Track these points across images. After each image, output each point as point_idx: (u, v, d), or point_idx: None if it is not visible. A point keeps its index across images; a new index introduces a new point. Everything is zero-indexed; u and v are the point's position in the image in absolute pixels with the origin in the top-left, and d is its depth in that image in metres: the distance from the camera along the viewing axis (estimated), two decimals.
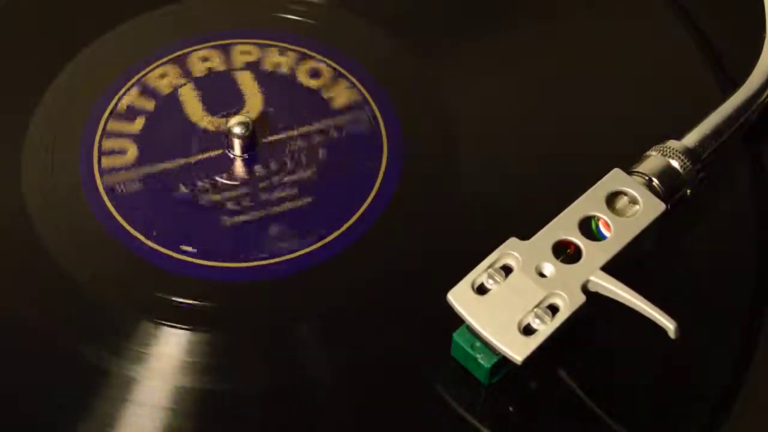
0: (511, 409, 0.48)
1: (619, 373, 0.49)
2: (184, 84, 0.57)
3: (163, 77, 0.57)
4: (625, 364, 0.49)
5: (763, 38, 0.55)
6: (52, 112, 0.56)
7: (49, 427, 0.47)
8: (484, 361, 0.47)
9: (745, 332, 0.51)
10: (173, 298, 0.50)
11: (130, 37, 0.59)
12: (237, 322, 0.50)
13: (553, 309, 0.47)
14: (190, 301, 0.50)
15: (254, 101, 0.56)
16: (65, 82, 0.57)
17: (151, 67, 0.57)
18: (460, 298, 0.47)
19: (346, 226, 0.52)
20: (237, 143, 0.54)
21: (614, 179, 0.50)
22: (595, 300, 0.47)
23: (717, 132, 0.52)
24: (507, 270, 0.47)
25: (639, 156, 0.51)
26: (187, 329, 0.49)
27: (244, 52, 0.58)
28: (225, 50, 0.58)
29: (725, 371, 0.49)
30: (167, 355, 0.49)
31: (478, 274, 0.47)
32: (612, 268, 0.48)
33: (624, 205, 0.49)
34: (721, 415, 0.48)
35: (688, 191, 0.50)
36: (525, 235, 0.48)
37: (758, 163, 0.55)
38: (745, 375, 0.49)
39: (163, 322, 0.50)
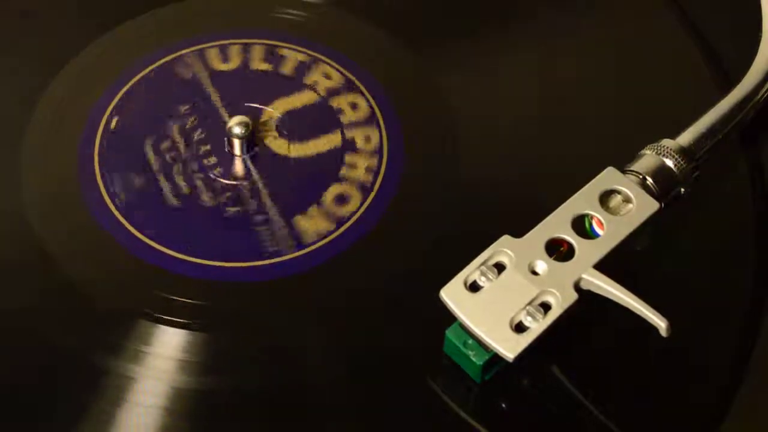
0: (503, 406, 0.48)
1: (616, 373, 0.49)
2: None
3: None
4: (622, 363, 0.49)
5: (759, 38, 0.55)
6: (52, 112, 0.56)
7: (48, 427, 0.47)
8: (476, 359, 0.47)
9: (745, 332, 0.50)
10: (172, 298, 0.50)
11: (131, 37, 0.59)
12: (236, 322, 0.50)
13: (546, 307, 0.47)
14: (189, 301, 0.50)
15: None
16: (65, 82, 0.57)
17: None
18: (452, 295, 0.47)
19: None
20: (237, 143, 0.54)
21: (608, 178, 0.50)
22: (590, 298, 0.47)
23: (712, 131, 0.52)
24: (500, 267, 0.48)
25: (636, 155, 0.51)
26: (185, 329, 0.50)
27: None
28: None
29: (724, 371, 0.49)
30: (166, 355, 0.49)
31: (471, 271, 0.47)
32: (606, 266, 0.48)
33: (618, 203, 0.49)
34: (720, 415, 0.48)
35: (683, 190, 0.50)
36: (522, 233, 0.48)
37: (756, 163, 0.55)
38: (744, 375, 0.49)
39: (161, 321, 0.50)
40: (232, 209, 0.53)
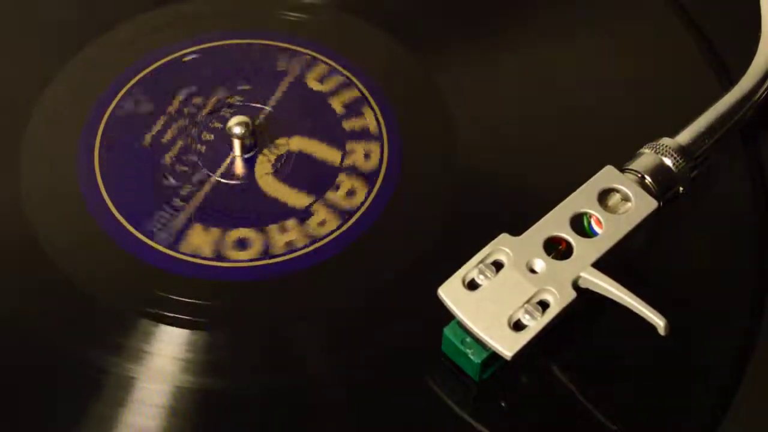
0: (502, 404, 0.48)
1: (616, 372, 0.49)
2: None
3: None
4: (622, 362, 0.49)
5: (759, 37, 0.55)
6: (52, 112, 0.56)
7: (48, 427, 0.48)
8: (475, 357, 0.47)
9: (745, 332, 0.50)
10: (173, 298, 0.50)
11: (130, 37, 0.59)
12: (236, 321, 0.50)
13: (544, 305, 0.47)
14: (190, 301, 0.50)
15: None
16: (65, 82, 0.57)
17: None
18: (450, 293, 0.47)
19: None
20: (237, 143, 0.54)
21: (607, 176, 0.50)
22: (589, 297, 0.47)
23: (711, 130, 0.52)
24: (498, 266, 0.48)
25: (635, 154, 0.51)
26: (186, 329, 0.50)
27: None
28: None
29: (725, 371, 0.49)
30: (166, 354, 0.49)
31: (469, 269, 0.47)
32: (605, 265, 0.48)
33: (616, 202, 0.49)
34: (720, 415, 0.48)
35: (681, 189, 0.50)
36: (521, 231, 0.48)
37: (756, 162, 0.55)
38: (744, 375, 0.49)
39: (162, 321, 0.50)
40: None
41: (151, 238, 0.52)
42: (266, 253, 0.51)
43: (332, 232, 0.52)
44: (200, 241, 0.52)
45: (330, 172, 0.54)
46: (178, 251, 0.52)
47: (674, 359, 0.49)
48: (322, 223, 0.52)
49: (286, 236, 0.52)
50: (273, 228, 0.52)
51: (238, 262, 0.51)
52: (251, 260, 0.51)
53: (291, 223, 0.52)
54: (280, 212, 0.53)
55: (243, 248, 0.52)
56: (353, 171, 0.54)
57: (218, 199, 0.53)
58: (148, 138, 0.55)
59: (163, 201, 0.53)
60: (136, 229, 0.53)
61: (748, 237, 0.53)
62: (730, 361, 0.50)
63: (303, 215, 0.53)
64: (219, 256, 0.51)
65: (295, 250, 0.52)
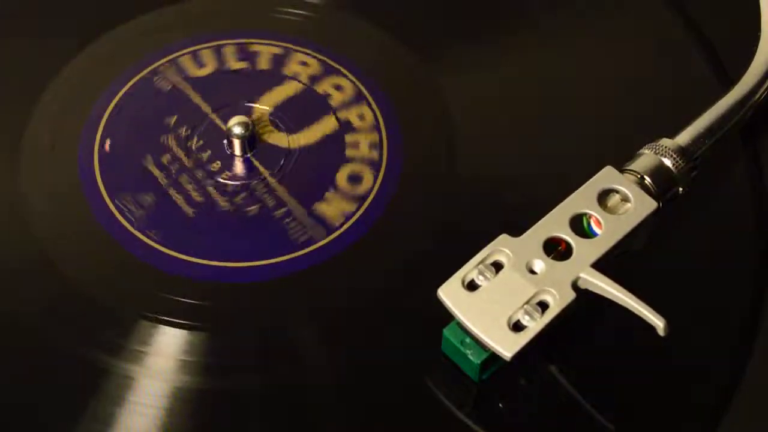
0: (501, 405, 0.48)
1: (615, 372, 0.49)
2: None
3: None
4: (622, 362, 0.49)
5: (758, 38, 0.55)
6: (52, 111, 0.56)
7: (48, 427, 0.48)
8: (474, 357, 0.47)
9: (745, 332, 0.50)
10: (172, 298, 0.50)
11: (131, 37, 0.59)
12: (236, 321, 0.50)
13: (543, 306, 0.47)
14: (189, 301, 0.50)
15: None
16: (65, 82, 0.57)
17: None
18: (450, 294, 0.47)
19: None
20: (237, 143, 0.54)
21: (606, 177, 0.50)
22: (590, 298, 0.47)
23: (710, 131, 0.52)
24: (497, 266, 0.48)
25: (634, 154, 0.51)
26: (185, 329, 0.50)
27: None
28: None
29: (725, 371, 0.49)
30: (166, 354, 0.49)
31: (469, 270, 0.47)
32: (604, 265, 0.48)
33: (616, 202, 0.49)
34: (720, 415, 0.48)
35: (681, 190, 0.50)
36: (520, 232, 0.48)
37: (757, 163, 0.55)
38: (744, 375, 0.49)
39: (161, 321, 0.50)
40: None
41: (273, 255, 0.52)
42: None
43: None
44: (329, 208, 0.53)
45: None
46: (335, 231, 0.52)
47: (674, 359, 0.49)
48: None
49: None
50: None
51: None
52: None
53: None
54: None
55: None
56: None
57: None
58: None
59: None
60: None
61: (748, 237, 0.53)
62: (730, 361, 0.49)
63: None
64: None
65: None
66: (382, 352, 0.49)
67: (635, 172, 0.50)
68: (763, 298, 0.51)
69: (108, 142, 0.55)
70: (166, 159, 0.55)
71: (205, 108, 0.56)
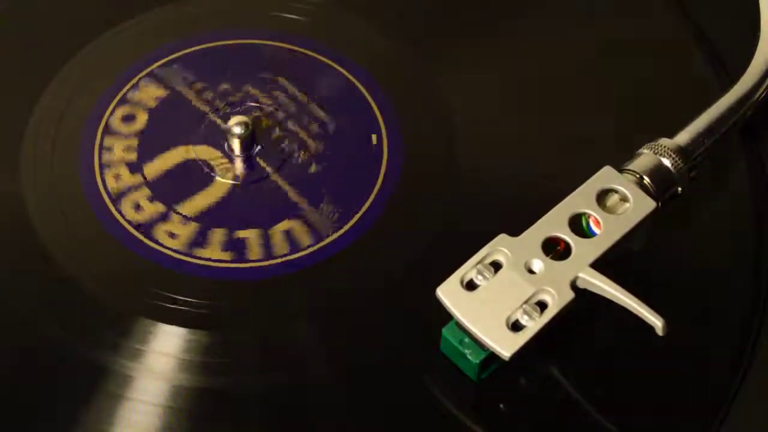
0: (500, 405, 0.48)
1: (615, 372, 0.49)
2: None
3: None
4: (622, 362, 0.49)
5: (758, 37, 0.55)
6: (52, 111, 0.56)
7: (48, 425, 0.48)
8: (473, 357, 0.47)
9: (745, 332, 0.50)
10: (172, 296, 0.51)
11: (131, 37, 0.59)
12: (236, 321, 0.50)
13: (542, 305, 0.47)
14: (189, 300, 0.51)
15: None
16: (65, 82, 0.57)
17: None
18: (449, 293, 0.47)
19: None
20: (236, 143, 0.54)
21: (605, 177, 0.50)
22: (590, 298, 0.47)
23: (709, 131, 0.51)
24: (496, 266, 0.48)
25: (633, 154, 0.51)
26: (185, 328, 0.50)
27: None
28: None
29: (725, 371, 0.49)
30: (166, 353, 0.49)
31: (468, 269, 0.47)
32: (603, 265, 0.48)
33: (615, 202, 0.49)
34: (720, 415, 0.48)
35: (679, 189, 0.50)
36: (519, 231, 0.48)
37: (758, 163, 0.55)
38: (744, 375, 0.49)
39: (161, 320, 0.50)
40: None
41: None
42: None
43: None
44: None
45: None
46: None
47: (674, 359, 0.49)
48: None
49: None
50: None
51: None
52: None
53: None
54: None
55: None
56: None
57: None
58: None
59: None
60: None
61: (748, 237, 0.53)
62: (730, 361, 0.49)
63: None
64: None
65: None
66: (382, 352, 0.49)
67: (634, 171, 0.50)
68: (763, 298, 0.51)
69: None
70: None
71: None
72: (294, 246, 0.52)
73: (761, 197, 0.54)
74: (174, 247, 0.52)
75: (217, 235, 0.52)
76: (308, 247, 0.52)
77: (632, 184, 0.49)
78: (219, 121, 0.56)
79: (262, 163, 0.55)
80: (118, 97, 0.57)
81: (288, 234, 0.52)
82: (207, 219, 0.53)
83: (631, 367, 0.49)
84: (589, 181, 0.49)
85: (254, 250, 0.52)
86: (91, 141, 0.55)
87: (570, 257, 0.48)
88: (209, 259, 0.52)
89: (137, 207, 0.53)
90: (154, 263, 0.52)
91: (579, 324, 0.48)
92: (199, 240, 0.52)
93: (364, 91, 0.57)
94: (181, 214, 0.53)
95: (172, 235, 0.52)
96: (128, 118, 0.56)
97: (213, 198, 0.54)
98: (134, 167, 0.55)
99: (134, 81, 0.57)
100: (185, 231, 0.52)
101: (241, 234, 0.52)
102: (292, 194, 0.54)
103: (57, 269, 0.51)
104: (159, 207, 0.53)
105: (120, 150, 0.55)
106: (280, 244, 0.52)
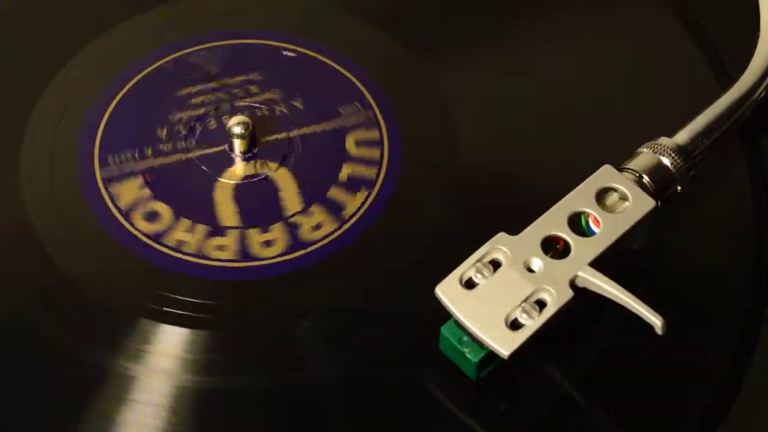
0: (499, 404, 0.48)
1: (615, 372, 0.49)
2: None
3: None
4: (622, 362, 0.49)
5: (757, 37, 0.55)
6: (52, 111, 0.56)
7: (48, 426, 0.48)
8: (472, 356, 0.47)
9: (745, 332, 0.50)
10: (173, 297, 0.50)
11: (131, 37, 0.59)
12: (236, 320, 0.50)
13: (541, 304, 0.47)
14: (190, 300, 0.51)
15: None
16: (65, 82, 0.57)
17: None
18: (447, 292, 0.47)
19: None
20: (237, 143, 0.54)
21: (604, 175, 0.50)
22: (589, 297, 0.47)
23: (709, 130, 0.52)
24: (495, 264, 0.48)
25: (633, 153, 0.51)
26: (186, 328, 0.50)
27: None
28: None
29: (725, 371, 0.49)
30: (167, 353, 0.49)
31: (467, 268, 0.47)
32: (603, 264, 0.48)
33: (614, 201, 0.49)
34: (721, 415, 0.48)
35: (679, 188, 0.50)
36: (519, 230, 0.48)
37: (756, 162, 0.55)
38: (744, 375, 0.49)
39: (162, 320, 0.50)
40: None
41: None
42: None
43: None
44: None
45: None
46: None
47: (674, 359, 0.49)
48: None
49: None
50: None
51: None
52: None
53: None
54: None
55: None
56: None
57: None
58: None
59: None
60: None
61: (747, 237, 0.53)
62: (730, 361, 0.49)
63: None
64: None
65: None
66: (381, 351, 0.49)
67: (634, 170, 0.50)
68: (763, 298, 0.51)
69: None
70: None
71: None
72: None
73: (761, 197, 0.54)
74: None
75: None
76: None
77: (632, 183, 0.49)
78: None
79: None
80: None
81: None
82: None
83: (631, 367, 0.49)
84: (588, 180, 0.49)
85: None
86: (91, 141, 0.55)
87: (569, 256, 0.48)
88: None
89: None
90: (154, 263, 0.52)
91: (578, 322, 0.48)
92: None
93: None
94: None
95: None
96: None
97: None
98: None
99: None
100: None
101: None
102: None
103: (57, 269, 0.51)
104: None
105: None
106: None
